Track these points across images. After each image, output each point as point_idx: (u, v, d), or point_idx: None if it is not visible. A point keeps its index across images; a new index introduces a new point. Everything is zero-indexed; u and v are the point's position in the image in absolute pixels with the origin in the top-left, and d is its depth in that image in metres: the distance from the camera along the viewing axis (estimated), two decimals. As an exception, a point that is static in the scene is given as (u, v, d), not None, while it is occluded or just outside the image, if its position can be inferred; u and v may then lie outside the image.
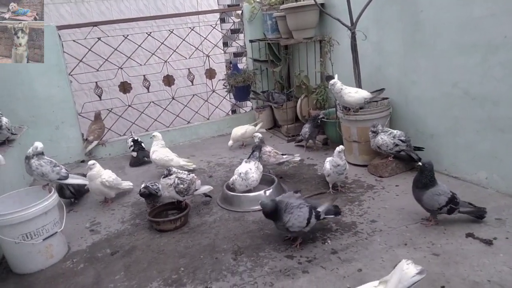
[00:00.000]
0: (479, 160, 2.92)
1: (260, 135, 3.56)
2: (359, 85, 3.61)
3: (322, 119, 3.97)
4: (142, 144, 4.48)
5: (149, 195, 3.03)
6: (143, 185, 3.06)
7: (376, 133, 3.26)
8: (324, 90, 4.38)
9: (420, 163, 2.44)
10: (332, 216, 2.50)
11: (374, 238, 2.42)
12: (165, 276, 2.28)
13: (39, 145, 2.78)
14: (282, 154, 3.50)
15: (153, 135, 3.88)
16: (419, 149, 3.27)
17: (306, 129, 4.06)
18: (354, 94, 3.36)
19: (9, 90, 4.19)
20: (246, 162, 3.21)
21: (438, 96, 3.16)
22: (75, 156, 4.55)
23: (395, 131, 3.23)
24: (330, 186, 3.12)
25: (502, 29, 2.60)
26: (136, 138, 4.53)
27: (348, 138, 3.61)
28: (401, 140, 3.19)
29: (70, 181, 2.90)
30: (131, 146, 4.44)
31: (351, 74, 3.67)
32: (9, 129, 3.50)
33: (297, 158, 3.51)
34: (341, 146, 3.00)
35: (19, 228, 2.38)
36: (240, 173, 3.10)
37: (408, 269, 1.51)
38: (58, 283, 2.35)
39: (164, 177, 2.93)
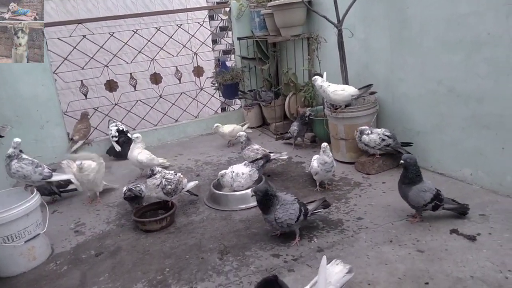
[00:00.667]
0: (464, 157, 2.94)
1: (244, 133, 3.56)
2: (346, 82, 3.61)
3: (310, 117, 3.97)
4: (129, 135, 4.39)
5: (134, 198, 2.97)
6: (125, 188, 3.00)
7: (361, 133, 3.27)
8: (312, 88, 4.37)
9: (402, 160, 2.44)
10: (321, 210, 2.51)
11: (360, 236, 2.42)
12: (150, 277, 2.26)
13: (18, 140, 2.73)
14: (270, 152, 3.49)
15: (135, 137, 3.84)
16: (408, 144, 3.28)
17: (294, 127, 4.04)
18: (340, 91, 3.36)
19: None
20: (245, 165, 3.15)
21: (425, 93, 3.17)
22: (61, 155, 4.46)
23: (378, 129, 3.26)
24: (317, 184, 3.12)
25: (485, 26, 2.61)
26: (121, 128, 4.44)
27: (335, 136, 3.61)
28: (386, 135, 3.20)
29: (55, 179, 2.84)
30: (115, 136, 4.32)
31: (339, 71, 3.67)
32: (-10, 128, 3.43)
33: (284, 156, 3.50)
34: (325, 143, 2.99)
35: (0, 230, 2.33)
36: (233, 172, 3.08)
37: (338, 268, 1.51)
38: (41, 285, 2.30)
39: (148, 177, 2.89)
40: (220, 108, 6.39)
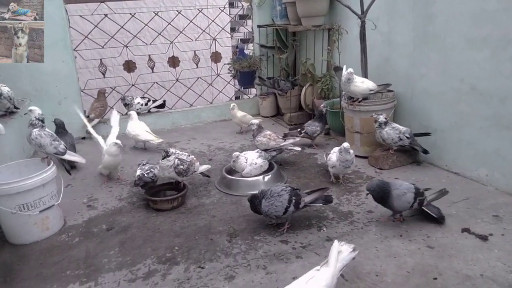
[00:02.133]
0: (481, 157, 2.89)
1: (256, 121, 3.53)
2: (365, 75, 3.57)
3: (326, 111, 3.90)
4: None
5: (145, 184, 2.96)
6: (138, 173, 2.94)
7: (380, 124, 3.21)
8: (330, 79, 4.34)
9: (367, 191, 2.40)
10: (320, 204, 2.49)
11: (369, 228, 2.41)
12: (159, 254, 2.29)
13: (35, 109, 2.76)
14: (284, 136, 3.49)
15: (129, 113, 4.11)
16: (426, 134, 3.23)
17: (314, 127, 3.80)
18: (360, 84, 3.32)
19: (16, 68, 4.16)
20: (259, 154, 3.16)
21: (446, 91, 3.11)
22: (76, 132, 4.53)
23: (401, 127, 3.19)
24: (333, 177, 3.07)
25: (514, 23, 2.54)
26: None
27: (350, 129, 3.58)
28: (406, 136, 3.15)
29: (67, 157, 2.88)
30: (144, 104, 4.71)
31: (358, 64, 3.62)
32: (11, 99, 3.48)
33: (297, 148, 3.48)
34: (347, 144, 2.91)
35: (16, 199, 2.39)
36: (246, 158, 3.11)
37: (343, 248, 1.74)
38: (53, 255, 2.36)
39: (163, 159, 2.91)
40: (234, 96, 6.39)
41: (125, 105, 4.73)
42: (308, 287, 1.58)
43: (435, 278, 1.91)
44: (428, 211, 2.38)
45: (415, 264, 2.03)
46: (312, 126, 3.83)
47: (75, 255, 2.34)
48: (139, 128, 4.06)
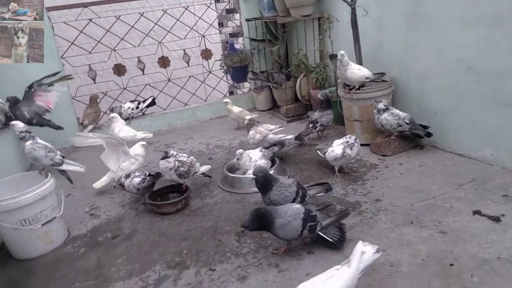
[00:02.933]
0: (484, 136, 2.87)
1: (249, 116, 3.49)
2: (359, 62, 3.53)
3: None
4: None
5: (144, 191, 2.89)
6: (137, 182, 2.83)
7: (379, 111, 3.18)
8: (324, 68, 4.29)
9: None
10: (322, 194, 2.50)
11: (379, 217, 2.38)
12: (168, 259, 2.25)
13: (17, 123, 2.69)
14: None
15: (113, 116, 4.01)
16: (424, 127, 3.19)
17: (329, 115, 3.67)
18: (356, 70, 3.28)
19: (1, 75, 4.06)
20: (262, 154, 3.11)
21: (442, 72, 3.08)
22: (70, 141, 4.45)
23: (401, 113, 3.15)
24: (336, 169, 3.01)
25: (509, 1, 2.50)
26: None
27: (349, 117, 3.54)
28: (406, 122, 3.12)
29: (65, 167, 2.81)
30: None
31: (352, 51, 3.57)
32: (2, 111, 3.39)
33: (289, 136, 3.46)
34: (353, 137, 2.92)
35: (17, 214, 2.33)
36: (250, 158, 3.07)
37: (367, 249, 1.67)
38: (60, 267, 2.31)
39: (162, 159, 2.86)
40: (228, 92, 6.32)
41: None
42: (327, 286, 1.54)
43: (452, 264, 1.89)
44: (324, 236, 2.08)
45: (429, 251, 2.00)
46: (326, 116, 3.68)
47: (82, 266, 2.29)
48: (130, 130, 4.03)
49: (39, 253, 2.45)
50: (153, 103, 4.97)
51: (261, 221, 2.05)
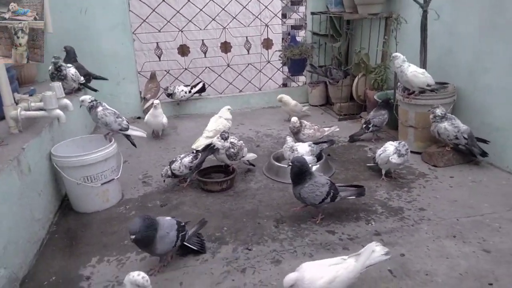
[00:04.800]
0: (548, 161, 2.70)
1: (295, 119, 3.43)
2: (424, 67, 3.41)
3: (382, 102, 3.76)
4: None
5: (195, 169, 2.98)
6: (188, 161, 2.91)
7: (436, 117, 3.07)
8: (384, 70, 4.20)
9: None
10: (354, 197, 2.49)
11: (421, 226, 2.35)
12: (209, 233, 2.38)
13: (85, 98, 2.93)
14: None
15: (156, 103, 4.04)
16: (484, 141, 3.06)
17: (382, 116, 3.59)
18: (420, 74, 3.17)
19: (77, 43, 4.40)
20: (311, 149, 3.08)
21: (511, 86, 2.91)
22: (133, 112, 4.78)
23: (461, 126, 3.04)
24: (383, 172, 2.98)
25: None
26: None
27: (404, 123, 3.46)
28: (464, 136, 3.00)
29: (130, 132, 3.03)
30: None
31: (417, 55, 3.46)
32: (74, 81, 3.71)
33: (336, 128, 3.51)
34: (404, 143, 2.85)
35: (82, 171, 2.58)
36: (294, 150, 3.06)
37: (377, 249, 1.73)
38: (112, 224, 2.54)
39: (220, 139, 2.97)
40: (282, 84, 6.35)
41: (168, 95, 4.84)
42: (328, 272, 1.62)
43: (491, 284, 1.84)
44: (189, 245, 2.16)
45: (469, 267, 1.96)
46: (379, 116, 3.61)
47: (131, 227, 2.49)
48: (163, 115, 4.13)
49: (96, 209, 2.70)
50: (203, 89, 5.11)
51: (147, 236, 1.93)
